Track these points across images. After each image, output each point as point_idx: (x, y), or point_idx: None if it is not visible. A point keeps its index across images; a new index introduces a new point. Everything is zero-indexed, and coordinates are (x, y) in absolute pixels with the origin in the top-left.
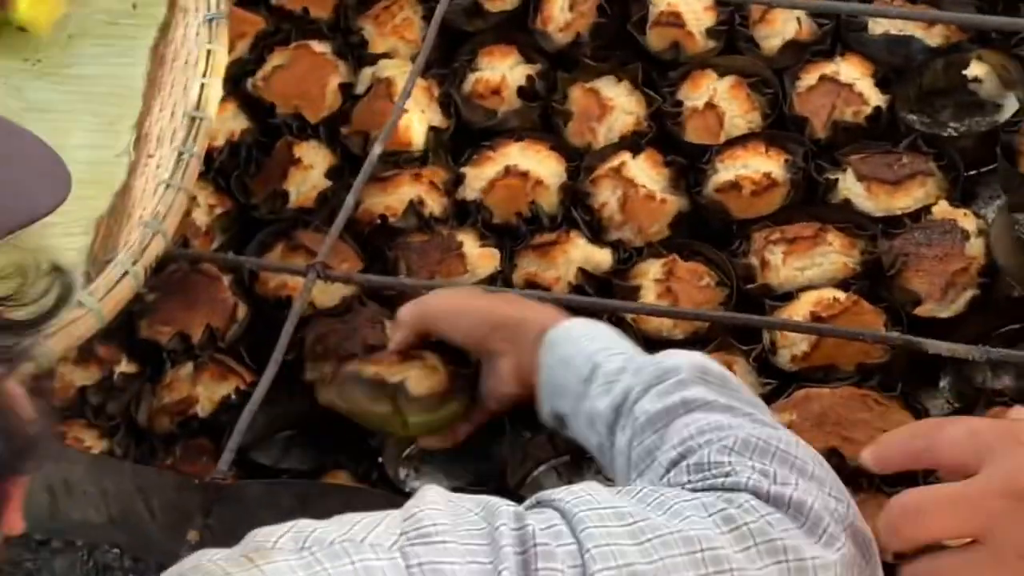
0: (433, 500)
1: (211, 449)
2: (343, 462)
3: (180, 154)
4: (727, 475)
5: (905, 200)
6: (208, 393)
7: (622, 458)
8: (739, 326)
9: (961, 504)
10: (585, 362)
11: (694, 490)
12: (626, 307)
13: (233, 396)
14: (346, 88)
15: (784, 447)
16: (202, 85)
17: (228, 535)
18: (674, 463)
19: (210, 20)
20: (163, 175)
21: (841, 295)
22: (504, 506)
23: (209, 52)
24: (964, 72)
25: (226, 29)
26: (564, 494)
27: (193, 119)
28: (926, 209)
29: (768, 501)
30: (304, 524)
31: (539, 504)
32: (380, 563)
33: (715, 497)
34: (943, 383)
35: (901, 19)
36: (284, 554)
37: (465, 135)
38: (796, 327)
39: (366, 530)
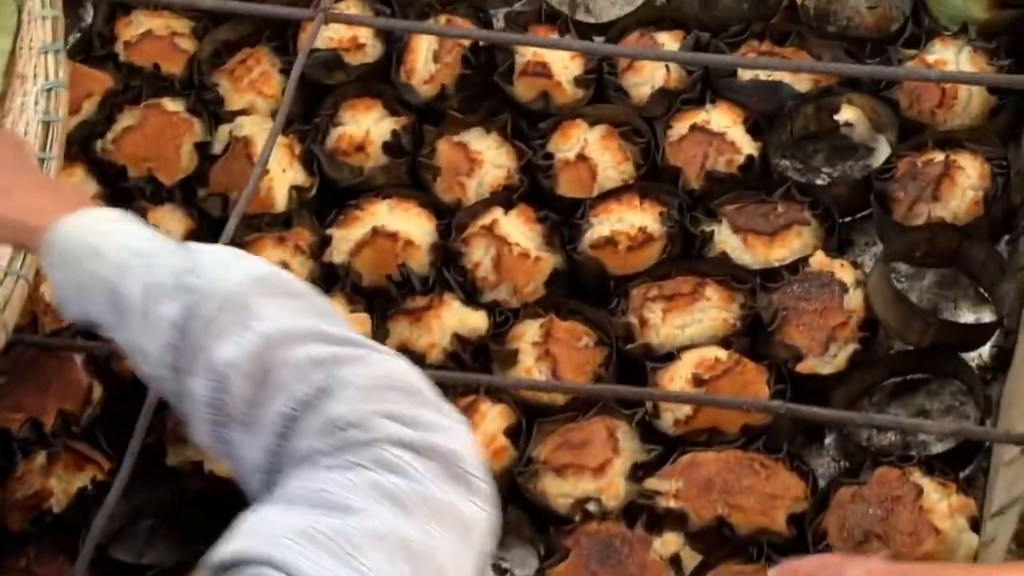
0: None
1: (69, 545)
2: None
3: None
4: (358, 431)
5: (782, 251)
6: (63, 485)
7: (203, 408)
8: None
9: None
10: (103, 289)
11: (331, 455)
12: (503, 383)
13: (90, 487)
14: (202, 148)
15: (398, 379)
16: (41, 160)
17: None
18: (293, 419)
19: (48, 89)
20: (2, 262)
21: (723, 354)
22: None
23: (48, 124)
24: (835, 116)
25: (66, 98)
26: (254, 542)
27: None
28: (803, 261)
29: (407, 449)
30: None
31: (240, 564)
32: None
33: (366, 461)
34: (828, 440)
35: (768, 69)
36: None
37: (330, 194)
38: (677, 397)
39: None
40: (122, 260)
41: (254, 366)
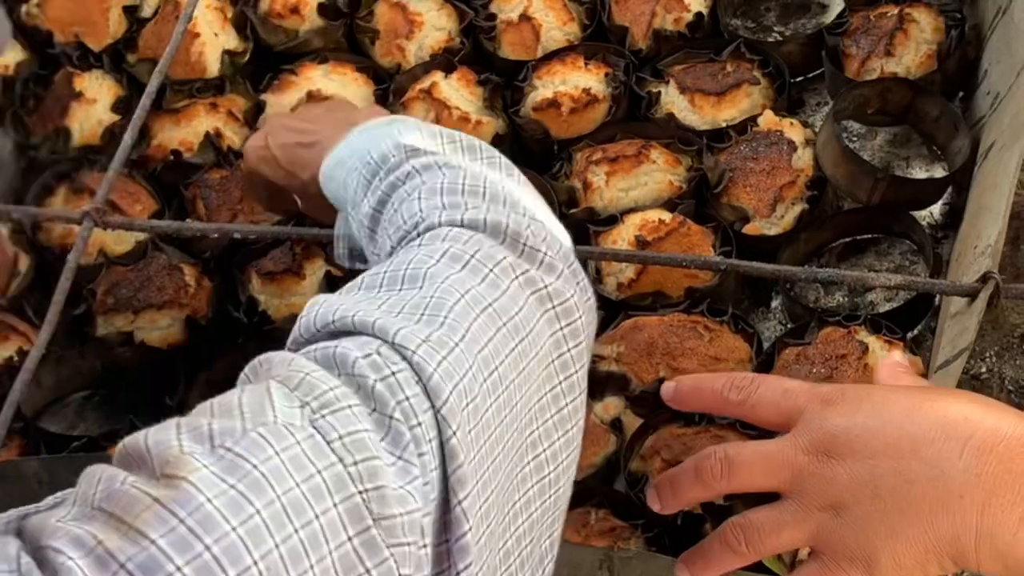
0: (304, 364)
1: None
2: (138, 425)
3: None
4: (418, 223)
5: (730, 111)
6: None
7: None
8: None
9: (772, 460)
10: (356, 183)
11: (400, 243)
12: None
13: (15, 358)
14: (131, 11)
15: (472, 181)
16: None
17: None
18: (371, 240)
19: None
20: None
21: (667, 216)
22: (338, 346)
23: None
24: None
25: None
26: (331, 313)
27: None
28: (752, 120)
29: (465, 227)
30: (189, 421)
31: (322, 336)
32: (301, 447)
33: (424, 241)
34: (775, 304)
35: None
36: (199, 458)
37: (264, 59)
38: (617, 255)
39: (265, 409)
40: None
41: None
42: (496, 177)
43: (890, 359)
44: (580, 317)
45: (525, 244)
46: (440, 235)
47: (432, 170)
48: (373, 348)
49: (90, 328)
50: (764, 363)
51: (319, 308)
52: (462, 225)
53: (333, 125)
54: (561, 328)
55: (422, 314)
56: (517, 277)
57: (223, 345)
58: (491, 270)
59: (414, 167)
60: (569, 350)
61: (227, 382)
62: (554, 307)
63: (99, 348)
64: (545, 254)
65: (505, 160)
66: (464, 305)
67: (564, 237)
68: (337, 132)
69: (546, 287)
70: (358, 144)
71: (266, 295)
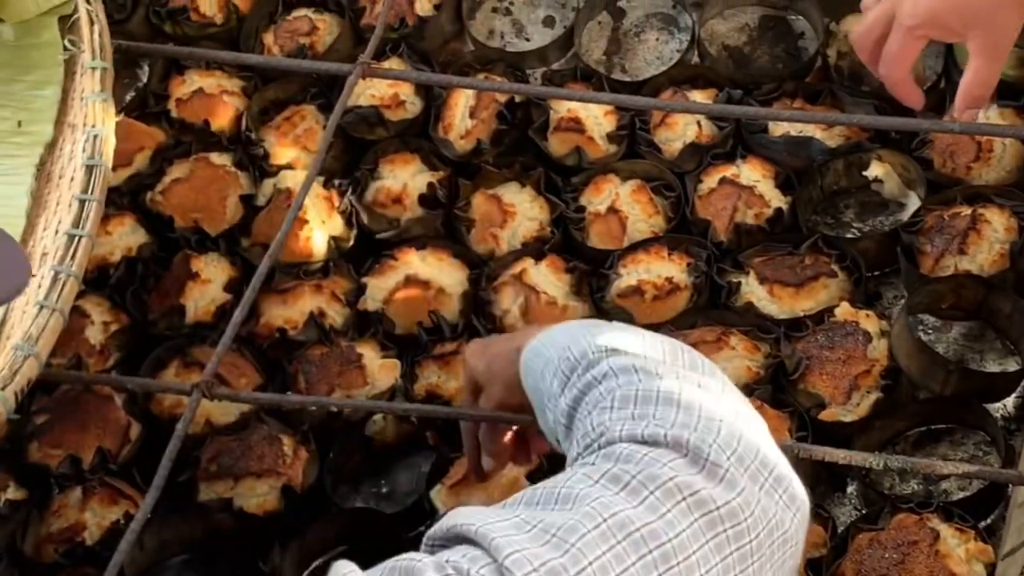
0: None
1: None
2: None
3: (56, 273)
4: (602, 434)
5: (808, 303)
6: (97, 519)
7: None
8: None
9: None
10: (552, 374)
11: (575, 460)
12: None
13: (122, 521)
14: (247, 200)
15: (667, 391)
16: (82, 201)
17: None
18: (567, 437)
19: (94, 136)
20: (40, 296)
21: None
22: (420, 561)
23: (91, 168)
24: (864, 173)
25: (111, 143)
26: (461, 519)
27: (71, 236)
28: (829, 311)
29: (645, 443)
30: None
31: (444, 539)
32: None
33: (595, 458)
34: (850, 489)
35: (801, 122)
36: None
37: (368, 245)
38: None
39: None
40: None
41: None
42: (693, 387)
43: None
44: (753, 539)
45: (707, 459)
46: (614, 453)
47: (628, 374)
48: (464, 568)
49: (193, 494)
50: (838, 547)
51: (460, 512)
52: (642, 440)
53: (530, 333)
54: (731, 552)
55: (551, 537)
56: (685, 499)
57: (316, 513)
58: (651, 492)
59: (611, 367)
60: (737, 574)
61: (318, 549)
62: (725, 530)
63: (200, 513)
64: (727, 470)
65: (708, 363)
66: (601, 532)
67: (766, 448)
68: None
69: (718, 508)
70: (559, 338)
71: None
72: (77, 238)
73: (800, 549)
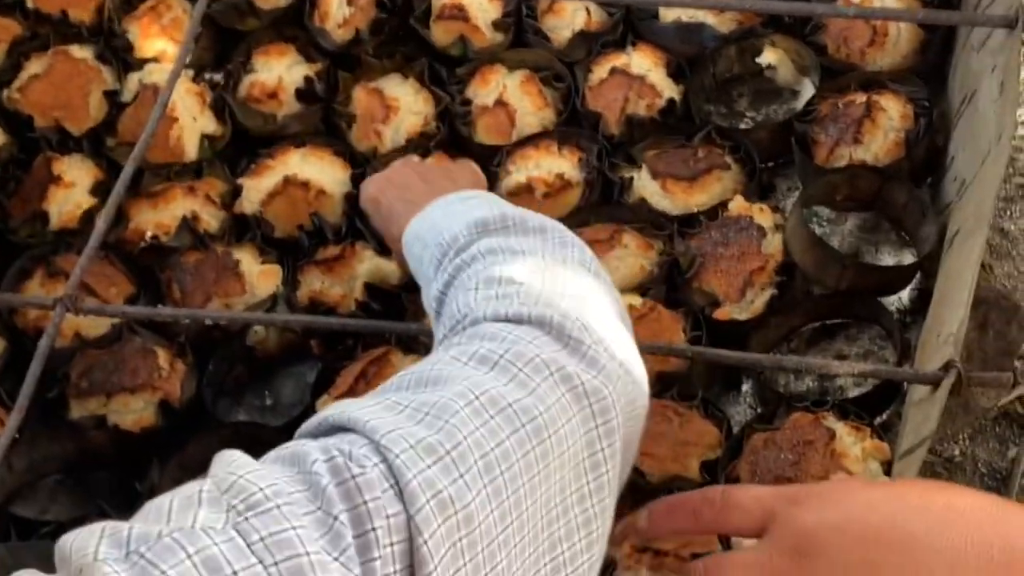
0: (245, 463)
1: None
2: (108, 510)
3: None
4: (467, 314)
5: (702, 197)
6: None
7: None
8: None
9: (753, 568)
10: (428, 260)
11: (443, 340)
12: (414, 330)
13: None
14: (111, 96)
15: (531, 271)
16: None
17: None
18: (436, 319)
19: None
20: None
21: (637, 301)
22: (304, 445)
23: None
24: (757, 59)
25: None
26: (332, 410)
27: None
28: (723, 206)
29: (509, 321)
30: (115, 525)
31: (317, 432)
32: (217, 548)
33: (460, 339)
34: (745, 387)
35: (691, 7)
36: (111, 564)
37: (243, 143)
38: None
39: (188, 514)
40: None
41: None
42: (558, 267)
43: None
44: (615, 417)
45: (570, 336)
46: (479, 333)
47: (495, 255)
48: (346, 450)
49: (63, 411)
50: (733, 448)
51: (329, 407)
52: (507, 319)
53: (435, 192)
54: (596, 426)
55: (424, 415)
56: (552, 374)
57: (196, 428)
58: (520, 369)
59: (479, 251)
60: (602, 449)
61: (199, 465)
62: (591, 404)
63: (72, 431)
64: (590, 347)
65: (578, 243)
66: (474, 409)
67: (621, 333)
68: (433, 199)
69: (583, 384)
70: (436, 219)
71: None
72: None
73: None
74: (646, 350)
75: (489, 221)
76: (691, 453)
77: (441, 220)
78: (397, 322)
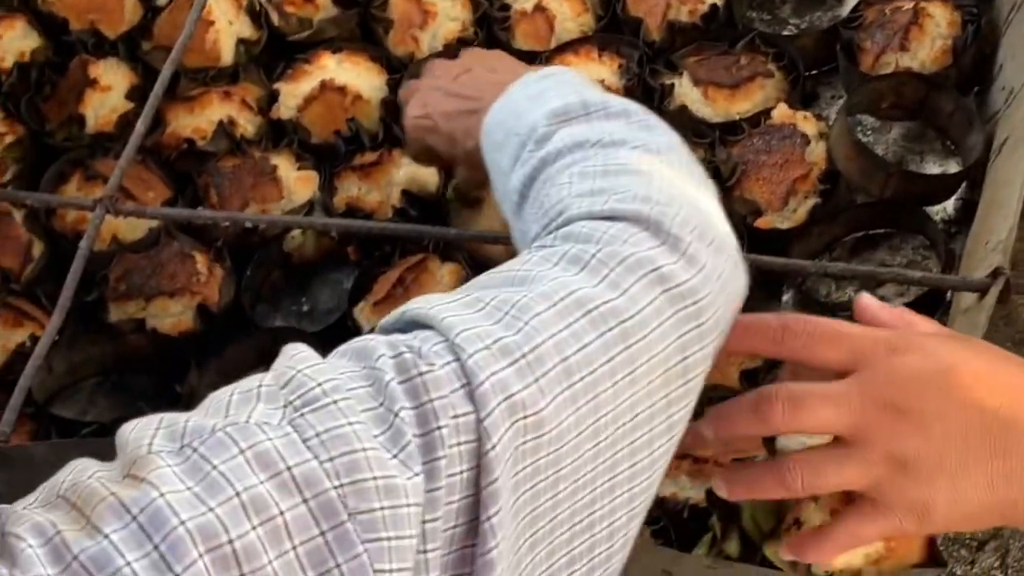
0: (306, 358)
1: (5, 403)
2: (148, 412)
3: None
4: (561, 212)
5: (744, 104)
6: (1, 341)
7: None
8: None
9: (842, 403)
10: (511, 148)
11: (540, 241)
12: (453, 235)
13: (28, 343)
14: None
15: (624, 163)
16: None
17: (15, 500)
18: (518, 216)
19: None
20: None
21: None
22: (372, 340)
23: None
24: None
25: None
26: (412, 304)
27: None
28: (765, 113)
29: (604, 219)
30: (172, 417)
31: (395, 327)
32: (272, 443)
33: (552, 239)
34: (786, 297)
35: None
36: (164, 457)
37: (279, 48)
38: None
39: (245, 409)
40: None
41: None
42: (649, 156)
43: (865, 302)
44: (710, 317)
45: (668, 232)
46: (572, 233)
47: (582, 148)
48: (416, 347)
49: (102, 314)
50: (772, 360)
51: (411, 301)
52: (601, 216)
53: (495, 88)
54: (691, 329)
55: (504, 315)
56: (647, 275)
57: (234, 333)
58: (612, 269)
59: (564, 143)
60: (695, 352)
61: (237, 370)
62: (686, 307)
63: (111, 334)
64: (689, 244)
65: (662, 125)
66: (557, 310)
67: (720, 222)
68: (498, 95)
69: (679, 285)
70: (517, 104)
71: None
72: None
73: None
74: None
75: (570, 108)
76: (731, 362)
77: (523, 104)
78: (434, 226)
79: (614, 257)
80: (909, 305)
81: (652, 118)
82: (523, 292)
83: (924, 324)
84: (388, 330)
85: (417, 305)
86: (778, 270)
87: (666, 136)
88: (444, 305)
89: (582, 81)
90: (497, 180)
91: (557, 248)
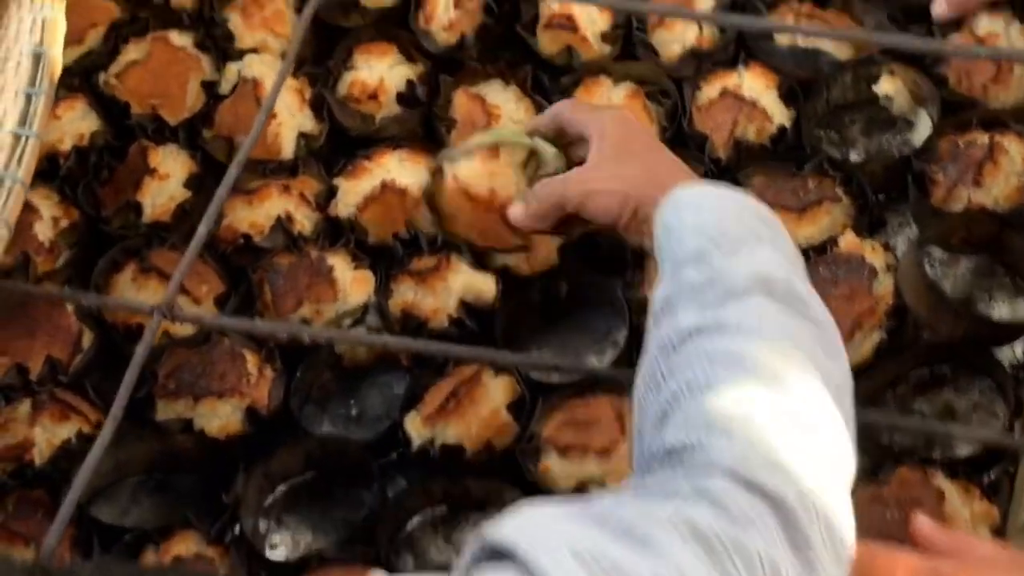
0: None
1: (48, 503)
2: (193, 520)
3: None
4: (701, 444)
5: (810, 228)
6: (47, 436)
7: (652, 353)
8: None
9: None
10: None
11: (661, 469)
12: (508, 360)
13: (74, 440)
14: (209, 87)
15: (790, 412)
16: (28, 96)
17: None
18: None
19: (42, 19)
20: None
21: None
22: None
23: (39, 56)
24: (874, 88)
25: (61, 30)
26: (514, 532)
27: (16, 136)
28: (832, 241)
29: (745, 488)
30: None
31: (491, 555)
32: None
33: (684, 483)
34: None
35: (811, 35)
36: None
37: (340, 142)
38: None
39: None
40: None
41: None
42: (822, 406)
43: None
44: None
45: (797, 530)
46: (707, 490)
47: (763, 349)
48: None
49: (150, 412)
50: None
51: (515, 515)
52: (744, 483)
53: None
54: None
55: None
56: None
57: (282, 436)
58: (734, 563)
59: (749, 319)
60: None
61: (282, 476)
62: None
63: (158, 433)
64: (817, 553)
65: (843, 354)
66: None
67: (847, 514)
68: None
69: None
70: (697, 215)
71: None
72: (24, 139)
73: None
74: None
75: (774, 281)
76: None
77: (709, 222)
78: (491, 349)
79: (741, 549)
80: (973, 456)
81: (837, 341)
82: (637, 560)
83: (983, 547)
84: (480, 552)
85: (515, 533)
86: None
87: (842, 367)
88: (544, 541)
89: (783, 239)
90: (661, 272)
91: (686, 505)
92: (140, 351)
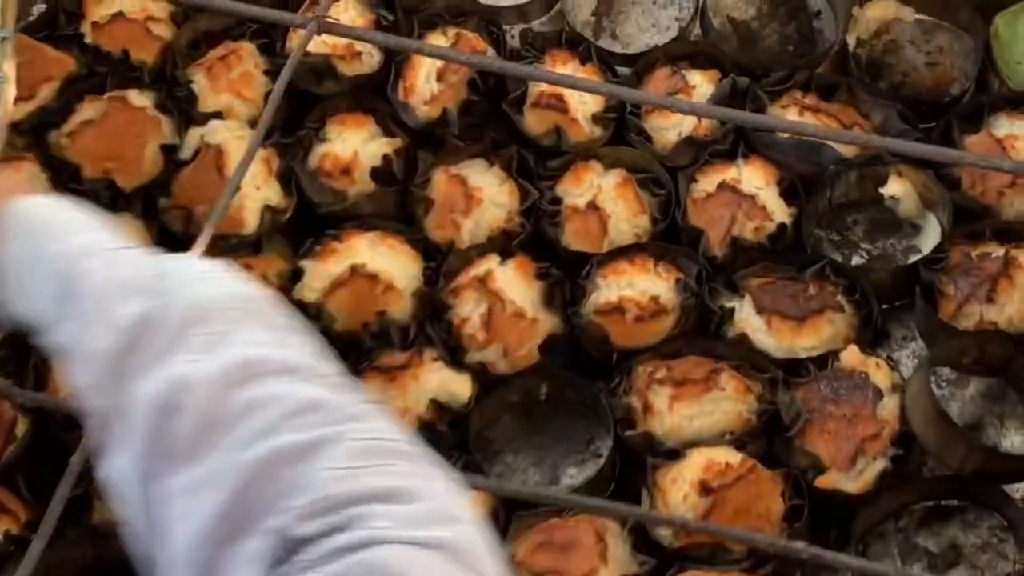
0: None
1: None
2: None
3: None
4: (354, 521)
5: (810, 339)
6: None
7: (140, 432)
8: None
9: None
10: (55, 275)
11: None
12: (482, 483)
13: (2, 541)
14: (168, 151)
15: (394, 438)
16: None
17: None
18: (259, 476)
19: None
20: None
21: (735, 458)
22: None
23: None
24: (880, 188)
25: (11, 94)
26: None
27: None
28: (834, 355)
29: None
30: None
31: None
32: None
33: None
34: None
35: (816, 138)
36: None
37: (307, 219)
38: (678, 521)
39: None
40: (83, 247)
41: (217, 393)
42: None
43: None
44: None
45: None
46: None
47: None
48: None
49: (86, 513)
50: None
51: None
52: (421, 544)
53: None
54: None
55: None
56: None
57: None
58: None
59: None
60: None
61: None
62: None
63: (92, 537)
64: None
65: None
66: None
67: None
68: None
69: None
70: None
71: None
72: None
73: None
74: (751, 541)
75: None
76: None
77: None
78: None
79: None
80: None
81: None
82: None
83: None
84: None
85: None
86: (854, 570)
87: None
88: None
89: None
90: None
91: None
92: (76, 458)
